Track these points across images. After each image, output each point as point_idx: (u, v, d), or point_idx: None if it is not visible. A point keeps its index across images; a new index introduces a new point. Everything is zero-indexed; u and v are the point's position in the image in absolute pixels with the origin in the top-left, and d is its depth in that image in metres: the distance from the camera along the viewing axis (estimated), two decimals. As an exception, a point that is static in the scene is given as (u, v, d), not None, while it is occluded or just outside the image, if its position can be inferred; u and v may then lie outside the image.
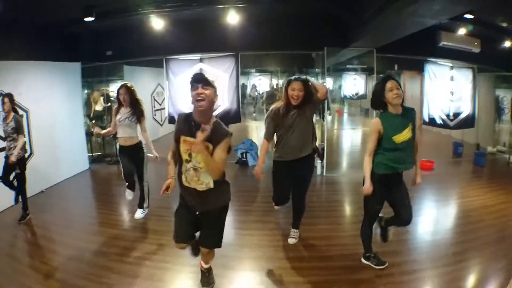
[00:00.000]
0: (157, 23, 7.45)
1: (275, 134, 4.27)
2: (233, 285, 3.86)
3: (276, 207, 4.94)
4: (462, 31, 7.54)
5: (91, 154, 9.28)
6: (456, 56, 8.39)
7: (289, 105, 4.10)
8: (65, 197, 6.84)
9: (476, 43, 7.69)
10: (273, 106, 4.25)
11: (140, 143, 5.28)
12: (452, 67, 8.96)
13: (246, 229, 5.16)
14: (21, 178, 5.49)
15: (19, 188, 5.53)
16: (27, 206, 5.58)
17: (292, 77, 4.09)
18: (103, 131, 5.20)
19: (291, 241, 4.65)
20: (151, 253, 4.52)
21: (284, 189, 4.48)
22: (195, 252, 3.58)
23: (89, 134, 9.02)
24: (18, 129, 5.30)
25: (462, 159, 9.33)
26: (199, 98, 2.80)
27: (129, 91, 5.12)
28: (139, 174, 5.36)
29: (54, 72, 7.46)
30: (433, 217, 5.73)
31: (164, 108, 12.33)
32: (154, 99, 11.95)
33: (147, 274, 4.06)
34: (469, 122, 9.10)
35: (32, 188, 6.37)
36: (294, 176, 4.32)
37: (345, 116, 16.43)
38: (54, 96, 7.33)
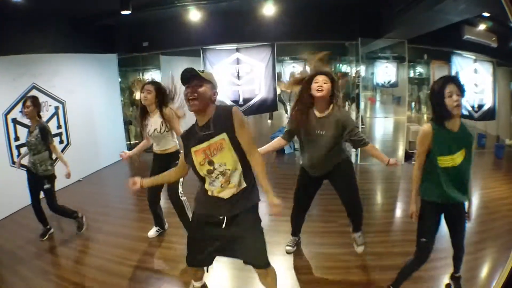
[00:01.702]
0: (195, 15, 7.52)
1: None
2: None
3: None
4: (482, 26, 7.72)
5: (128, 142, 9.52)
6: (479, 49, 8.48)
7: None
8: (103, 185, 7.03)
9: (493, 38, 7.85)
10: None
11: (178, 151, 4.25)
12: (475, 60, 9.15)
13: (282, 215, 5.10)
14: (51, 194, 4.61)
15: (53, 208, 4.66)
16: (75, 213, 4.87)
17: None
18: (132, 152, 4.48)
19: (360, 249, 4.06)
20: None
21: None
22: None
23: (127, 123, 9.26)
24: (45, 139, 4.41)
25: (485, 150, 9.32)
26: (191, 97, 2.43)
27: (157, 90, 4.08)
28: (172, 190, 4.32)
29: (90, 64, 7.62)
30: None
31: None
32: (190, 88, 12.02)
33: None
34: (490, 114, 9.30)
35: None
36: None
37: (377, 104, 16.17)
38: (90, 87, 7.51)
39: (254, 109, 8.78)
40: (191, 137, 2.56)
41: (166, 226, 4.87)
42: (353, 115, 9.81)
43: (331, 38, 8.56)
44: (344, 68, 15.74)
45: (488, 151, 9.19)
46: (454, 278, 3.35)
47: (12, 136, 5.77)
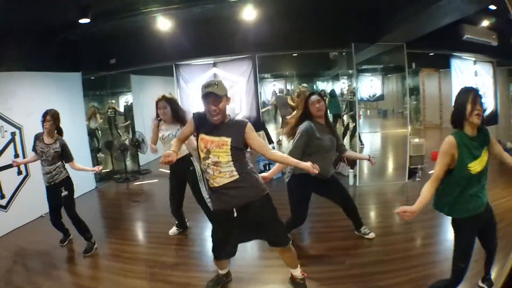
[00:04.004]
0: (164, 24, 6.68)
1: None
2: None
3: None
4: (484, 23, 7.14)
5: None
6: (478, 50, 7.89)
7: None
8: (67, 223, 5.64)
9: (494, 36, 7.30)
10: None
11: (189, 154, 4.78)
12: (475, 62, 8.60)
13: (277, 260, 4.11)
14: (70, 201, 4.78)
15: (71, 216, 4.80)
16: (89, 233, 4.90)
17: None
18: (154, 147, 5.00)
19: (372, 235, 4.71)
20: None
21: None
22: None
23: (94, 151, 8.32)
24: (66, 156, 4.68)
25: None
26: (214, 113, 2.89)
27: (170, 103, 4.69)
28: (195, 191, 4.85)
29: (51, 84, 6.82)
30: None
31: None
32: (164, 110, 11.32)
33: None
34: (493, 118, 8.74)
35: (31, 213, 6.05)
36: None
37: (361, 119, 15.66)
38: (51, 110, 6.64)
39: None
40: (204, 124, 3.02)
41: (188, 224, 5.41)
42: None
43: (321, 47, 7.89)
44: (324, 85, 15.31)
45: (490, 157, 8.43)
46: (486, 280, 3.38)
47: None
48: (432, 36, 6.39)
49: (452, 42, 7.54)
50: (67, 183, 4.74)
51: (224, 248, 3.34)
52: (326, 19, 7.18)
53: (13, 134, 5.88)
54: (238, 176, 3.00)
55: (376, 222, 5.45)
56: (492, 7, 6.21)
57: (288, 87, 15.02)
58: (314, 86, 16.72)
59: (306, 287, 3.50)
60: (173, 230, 5.27)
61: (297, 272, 3.48)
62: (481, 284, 3.38)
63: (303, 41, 7.42)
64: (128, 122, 10.27)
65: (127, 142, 8.64)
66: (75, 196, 4.97)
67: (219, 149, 2.94)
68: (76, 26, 5.93)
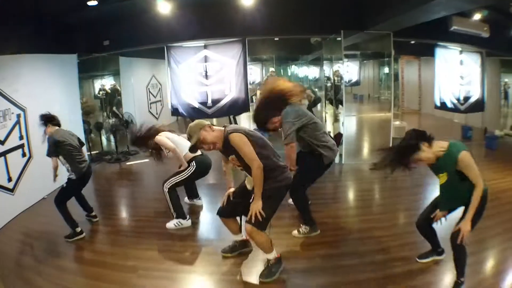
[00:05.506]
0: (158, 7, 6.80)
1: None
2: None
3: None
4: (476, 16, 7.36)
5: (89, 153, 8.60)
6: (466, 40, 8.22)
7: None
8: (70, 202, 5.22)
9: (485, 28, 7.52)
10: None
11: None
12: (461, 51, 8.96)
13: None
14: (62, 192, 4.87)
15: (56, 201, 4.76)
16: (74, 223, 4.73)
17: None
18: None
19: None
20: (161, 269, 3.97)
21: None
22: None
23: (87, 132, 8.43)
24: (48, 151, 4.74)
25: (472, 142, 9.19)
26: (208, 150, 3.63)
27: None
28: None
29: (49, 66, 6.82)
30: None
31: (159, 101, 11.91)
32: (149, 92, 11.42)
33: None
34: (478, 106, 9.22)
35: (34, 195, 6.03)
36: None
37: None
38: (50, 91, 6.67)
39: (224, 110, 8.12)
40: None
41: (201, 201, 5.66)
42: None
43: (311, 33, 8.24)
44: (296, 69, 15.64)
45: (476, 143, 9.13)
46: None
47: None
48: (417, 25, 6.65)
49: (438, 32, 7.80)
50: (70, 180, 4.90)
51: (224, 207, 3.81)
52: (317, 6, 7.43)
53: (18, 116, 5.84)
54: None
55: (361, 196, 5.99)
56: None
57: (264, 71, 15.22)
58: (289, 69, 17.01)
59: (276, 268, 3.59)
60: (186, 200, 5.62)
61: (272, 256, 3.58)
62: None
63: (294, 26, 7.68)
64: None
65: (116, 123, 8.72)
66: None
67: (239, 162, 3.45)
68: (78, 9, 6.02)
